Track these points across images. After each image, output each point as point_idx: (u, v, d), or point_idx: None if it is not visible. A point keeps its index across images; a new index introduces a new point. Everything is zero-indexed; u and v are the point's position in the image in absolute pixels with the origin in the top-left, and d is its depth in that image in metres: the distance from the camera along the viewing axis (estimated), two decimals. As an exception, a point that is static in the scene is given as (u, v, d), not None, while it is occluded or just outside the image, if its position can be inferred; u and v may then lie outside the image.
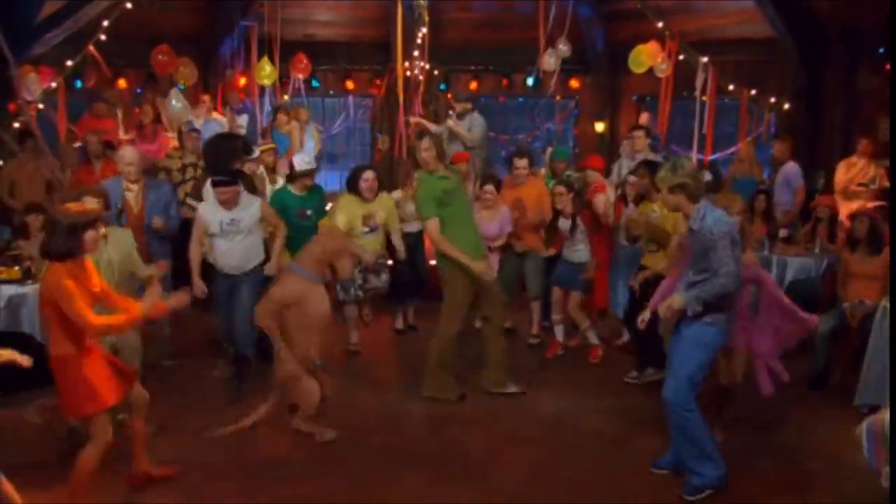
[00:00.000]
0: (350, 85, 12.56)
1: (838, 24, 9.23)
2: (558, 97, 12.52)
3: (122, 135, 9.04)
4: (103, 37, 8.60)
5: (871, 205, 7.60)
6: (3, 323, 5.44)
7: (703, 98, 9.46)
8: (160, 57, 10.02)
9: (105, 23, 8.56)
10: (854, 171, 8.24)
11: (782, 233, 7.33)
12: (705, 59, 9.29)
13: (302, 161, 6.33)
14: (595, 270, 6.60)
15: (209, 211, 5.66)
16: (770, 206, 7.78)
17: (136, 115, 9.35)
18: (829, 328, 6.04)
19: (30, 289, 5.63)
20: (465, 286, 5.57)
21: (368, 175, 6.53)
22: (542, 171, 8.01)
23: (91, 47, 8.65)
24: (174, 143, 9.19)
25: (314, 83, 12.17)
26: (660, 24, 9.59)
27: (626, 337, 6.84)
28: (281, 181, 7.18)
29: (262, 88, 11.33)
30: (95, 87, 9.60)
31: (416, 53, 10.58)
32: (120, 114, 9.40)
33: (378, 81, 12.49)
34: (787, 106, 9.65)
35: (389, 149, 11.76)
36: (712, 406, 4.98)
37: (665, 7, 10.11)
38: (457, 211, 5.58)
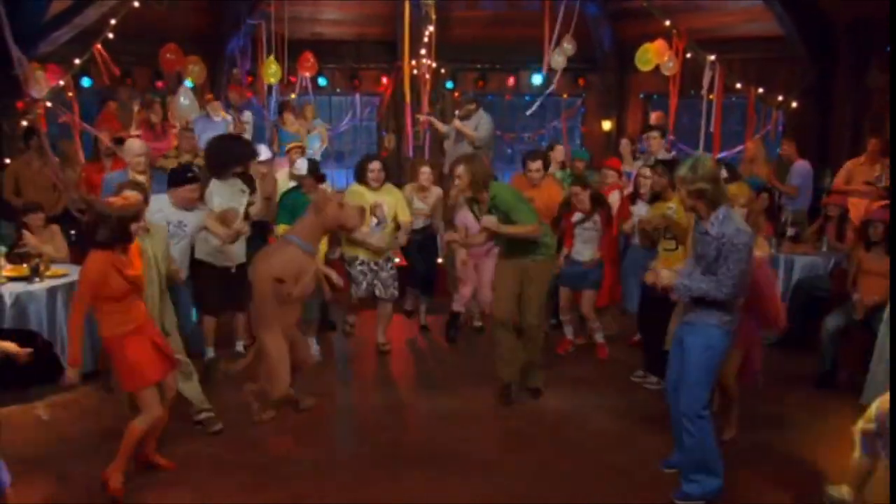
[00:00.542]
0: (357, 83, 12.58)
1: (847, 21, 9.20)
2: (565, 95, 12.51)
3: (132, 132, 9.05)
4: (111, 35, 8.62)
5: (876, 204, 7.56)
6: (11, 320, 5.45)
7: (711, 96, 9.44)
8: (168, 56, 10.05)
9: (112, 21, 8.57)
10: (858, 175, 8.19)
11: (790, 231, 7.31)
12: (712, 58, 9.27)
13: (301, 167, 6.32)
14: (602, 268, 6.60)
15: (160, 208, 5.37)
16: (773, 204, 7.75)
17: (141, 114, 9.34)
18: (837, 326, 6.02)
19: (38, 286, 5.66)
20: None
21: (374, 165, 6.54)
22: (557, 173, 7.97)
23: (98, 46, 8.68)
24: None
25: (321, 81, 12.20)
26: (667, 23, 9.57)
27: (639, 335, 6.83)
28: None
29: (270, 87, 11.35)
30: (108, 86, 9.62)
31: (422, 51, 10.58)
32: (136, 108, 9.41)
33: (385, 80, 12.51)
34: (795, 104, 9.62)
35: (396, 147, 11.77)
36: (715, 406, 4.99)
37: (672, 5, 10.09)
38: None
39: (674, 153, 8.89)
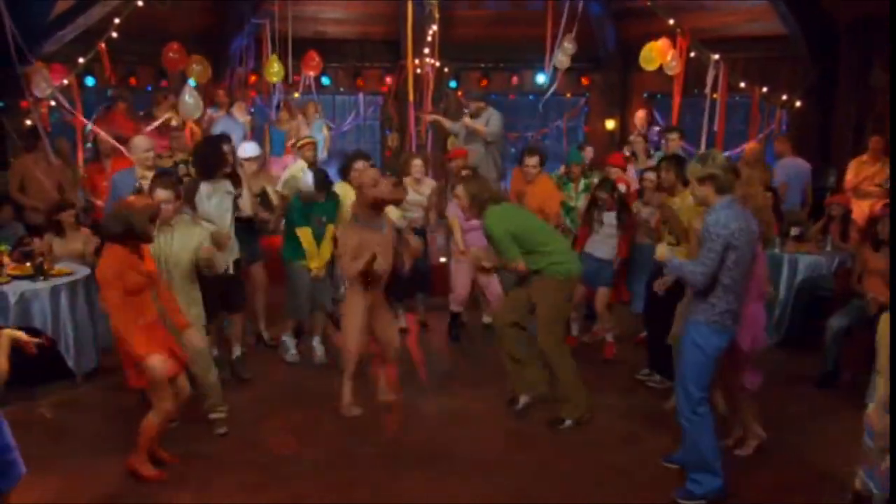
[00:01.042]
0: (360, 82, 12.59)
1: (850, 20, 9.18)
2: (568, 94, 12.50)
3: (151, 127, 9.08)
4: (114, 34, 8.64)
5: (880, 204, 7.57)
6: (14, 319, 5.46)
7: (714, 95, 9.43)
8: (171, 54, 10.06)
9: (116, 20, 8.59)
10: (865, 171, 8.19)
11: (793, 231, 7.30)
12: (716, 57, 9.26)
13: (308, 181, 6.27)
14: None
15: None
16: (778, 203, 7.74)
17: (122, 109, 9.34)
18: (841, 327, 6.01)
19: (41, 285, 5.68)
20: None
21: (359, 164, 6.44)
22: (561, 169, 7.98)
23: (102, 45, 8.69)
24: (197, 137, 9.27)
25: (325, 81, 12.20)
26: (671, 22, 9.57)
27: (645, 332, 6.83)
28: None
29: (273, 86, 11.37)
30: (114, 85, 9.64)
31: (426, 51, 10.58)
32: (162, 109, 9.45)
33: (388, 79, 12.51)
34: (798, 103, 9.61)
35: (400, 146, 11.78)
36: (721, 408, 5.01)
37: (676, 4, 10.09)
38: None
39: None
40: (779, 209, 7.70)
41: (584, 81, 12.52)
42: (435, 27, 10.49)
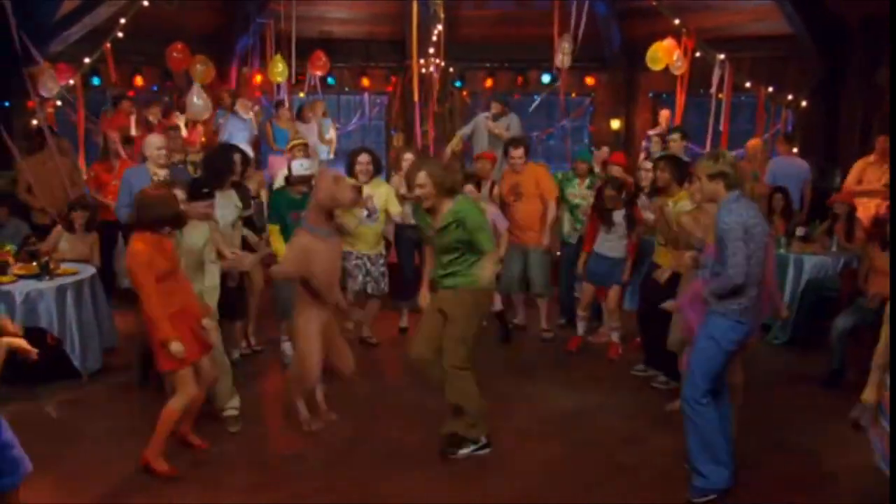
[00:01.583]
0: (366, 82, 12.59)
1: (856, 20, 9.16)
2: (573, 94, 12.49)
3: (133, 132, 9.07)
4: (120, 34, 8.66)
5: (886, 204, 7.53)
6: (20, 318, 5.47)
7: (720, 95, 9.41)
8: (175, 55, 10.07)
9: (122, 20, 8.61)
10: (871, 172, 8.15)
11: (799, 231, 7.28)
12: (722, 56, 9.24)
13: (300, 167, 6.27)
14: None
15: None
16: (788, 204, 7.73)
17: (128, 108, 9.35)
18: (847, 327, 5.99)
19: (47, 284, 5.69)
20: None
21: (363, 158, 6.49)
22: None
23: (108, 45, 8.71)
24: (201, 138, 9.29)
25: (330, 81, 12.21)
26: (676, 21, 9.55)
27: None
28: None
29: (277, 86, 11.37)
30: (116, 85, 9.66)
31: (431, 51, 10.59)
32: (135, 112, 9.45)
33: (394, 79, 12.52)
34: (804, 103, 9.59)
35: (404, 146, 11.77)
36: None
37: (681, 4, 10.07)
38: None
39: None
40: (789, 210, 7.69)
41: (590, 81, 12.50)
42: (440, 27, 10.51)
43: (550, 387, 5.98)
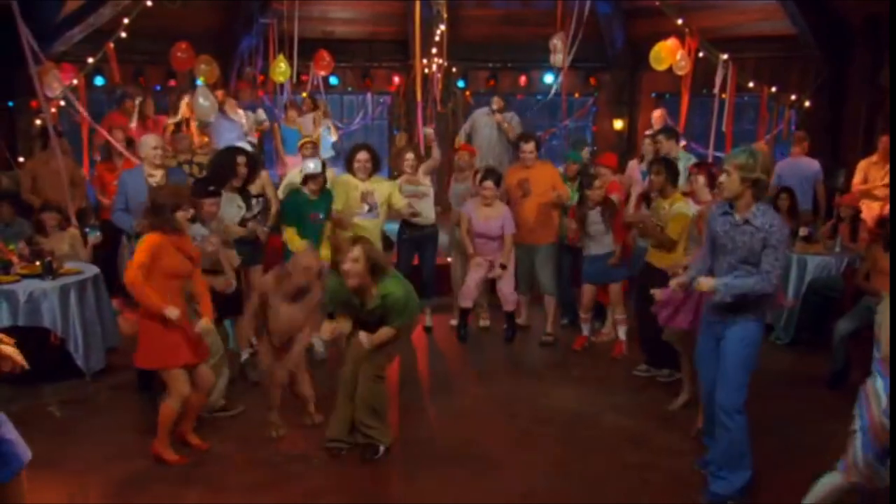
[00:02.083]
0: (368, 82, 12.60)
1: (860, 20, 9.14)
2: (576, 94, 12.48)
3: (133, 128, 9.06)
4: (123, 34, 8.66)
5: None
6: (24, 317, 5.50)
7: (723, 95, 9.40)
8: (179, 54, 10.06)
9: (125, 20, 8.61)
10: (875, 173, 8.13)
11: (803, 231, 7.27)
12: (725, 56, 9.23)
13: (307, 167, 6.31)
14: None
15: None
16: (794, 204, 7.71)
17: (131, 107, 9.35)
18: (849, 330, 5.98)
19: (50, 284, 5.69)
20: None
21: (362, 155, 6.49)
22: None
23: (111, 45, 8.71)
24: (203, 139, 9.28)
25: (333, 80, 12.21)
26: (679, 21, 9.54)
27: None
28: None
29: (280, 86, 11.37)
30: (119, 84, 9.65)
31: (434, 50, 10.58)
32: (136, 110, 9.43)
33: (397, 79, 12.52)
34: (807, 103, 9.58)
35: (406, 146, 11.75)
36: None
37: (685, 4, 10.06)
38: None
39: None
40: (795, 209, 7.68)
41: (593, 81, 12.49)
42: (443, 27, 10.50)
43: (554, 386, 5.98)
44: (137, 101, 9.31)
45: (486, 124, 8.89)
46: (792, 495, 4.43)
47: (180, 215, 4.56)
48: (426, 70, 10.74)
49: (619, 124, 12.47)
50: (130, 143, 8.20)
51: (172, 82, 11.11)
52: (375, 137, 13.56)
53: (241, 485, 4.47)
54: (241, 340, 6.13)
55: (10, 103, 8.77)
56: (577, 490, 4.48)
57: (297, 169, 6.97)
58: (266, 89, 11.59)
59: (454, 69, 11.98)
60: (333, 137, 10.64)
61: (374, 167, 6.57)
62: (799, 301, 6.90)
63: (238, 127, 9.68)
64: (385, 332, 4.69)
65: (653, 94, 12.19)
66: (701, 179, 5.72)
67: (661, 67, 9.93)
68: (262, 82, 11.66)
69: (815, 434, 5.22)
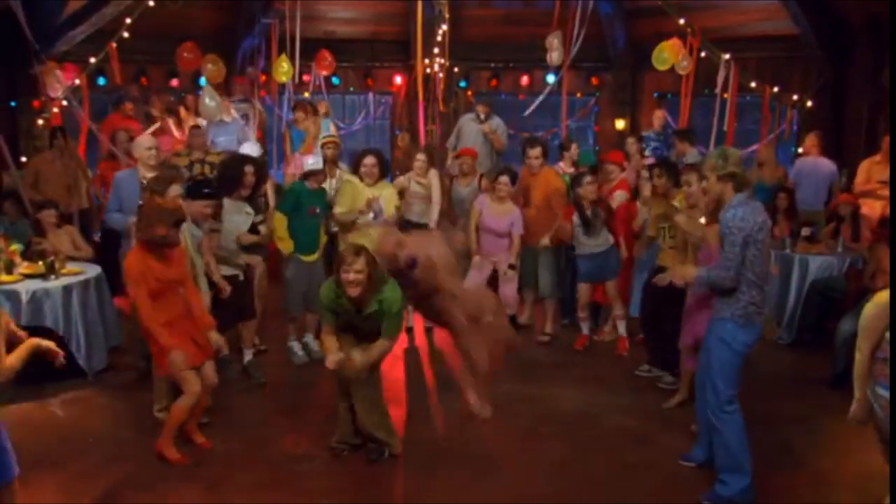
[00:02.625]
0: (370, 82, 12.60)
1: (862, 20, 9.14)
2: (578, 94, 12.47)
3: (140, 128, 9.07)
4: (126, 34, 8.66)
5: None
6: (27, 317, 5.50)
7: (725, 95, 9.39)
8: (185, 55, 10.05)
9: (128, 20, 8.62)
10: (878, 173, 8.12)
11: (805, 231, 7.27)
12: (727, 56, 9.22)
13: (307, 163, 6.33)
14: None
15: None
16: (793, 204, 7.71)
17: (129, 110, 9.35)
18: (852, 330, 5.96)
19: (53, 284, 5.70)
20: None
21: (369, 160, 6.51)
22: (561, 164, 7.96)
23: (113, 45, 8.72)
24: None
25: (334, 80, 12.21)
26: (681, 21, 9.53)
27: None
28: (338, 174, 7.21)
29: (282, 86, 11.37)
30: (120, 85, 9.66)
31: (436, 50, 10.58)
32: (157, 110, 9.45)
33: (398, 79, 12.52)
34: (809, 103, 9.57)
35: (415, 148, 11.76)
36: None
37: (687, 4, 10.05)
38: None
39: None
40: (793, 209, 7.68)
41: (595, 81, 12.48)
42: (445, 27, 10.50)
43: (556, 386, 5.98)
44: (152, 104, 9.33)
45: (473, 130, 8.86)
46: (793, 496, 4.45)
47: (173, 233, 4.57)
48: (428, 70, 10.75)
49: (620, 124, 12.45)
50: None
51: (174, 82, 11.12)
52: (377, 137, 13.56)
53: (243, 484, 4.47)
54: (247, 342, 6.15)
55: (13, 103, 8.78)
56: (579, 490, 4.48)
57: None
58: (268, 89, 11.59)
59: (456, 69, 11.98)
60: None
61: (381, 173, 6.59)
62: (796, 313, 6.92)
63: (234, 130, 9.67)
64: (379, 349, 4.57)
65: (655, 95, 12.19)
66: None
67: (663, 67, 9.92)
68: (264, 82, 11.66)
69: (817, 434, 5.23)
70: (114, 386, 5.86)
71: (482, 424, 5.26)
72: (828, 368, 6.12)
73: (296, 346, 6.50)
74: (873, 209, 7.73)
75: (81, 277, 5.92)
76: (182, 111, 9.71)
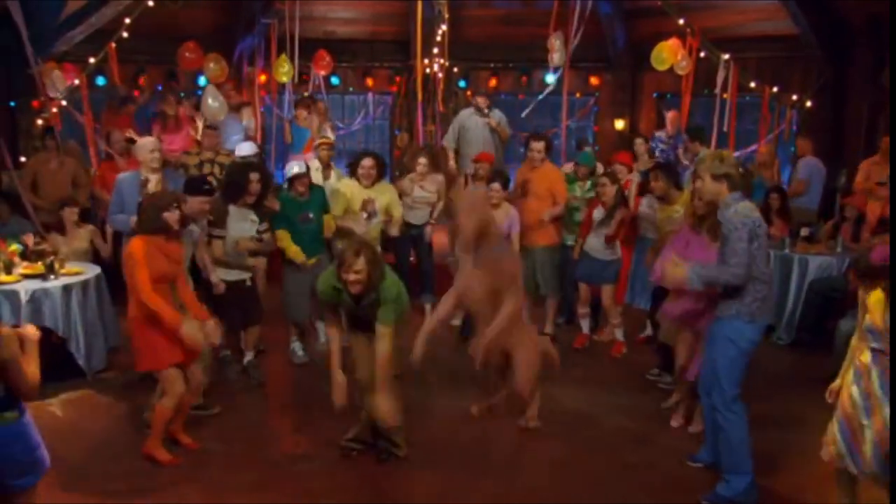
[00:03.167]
0: (370, 82, 12.59)
1: (862, 20, 9.13)
2: (577, 94, 12.47)
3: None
4: (125, 34, 8.66)
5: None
6: (26, 317, 5.49)
7: (725, 95, 9.39)
8: (187, 54, 10.02)
9: (127, 20, 8.61)
10: (877, 173, 8.12)
11: (804, 231, 7.27)
12: (726, 56, 9.22)
13: (290, 168, 6.31)
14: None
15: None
16: (785, 204, 7.71)
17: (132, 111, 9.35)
18: (852, 329, 5.96)
19: (52, 284, 5.70)
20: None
21: (366, 162, 6.52)
22: (565, 167, 7.96)
23: (112, 45, 8.71)
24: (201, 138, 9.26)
25: (334, 80, 12.20)
26: (681, 21, 9.53)
27: (648, 330, 6.83)
28: (334, 176, 7.22)
29: (282, 85, 11.37)
30: (121, 85, 9.65)
31: (435, 50, 10.58)
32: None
33: (398, 79, 12.52)
34: (809, 103, 9.57)
35: (409, 146, 11.76)
36: (688, 397, 5.15)
37: (686, 4, 10.04)
38: None
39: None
40: (786, 209, 7.68)
41: (594, 81, 12.49)
42: (444, 27, 10.50)
43: (556, 386, 5.95)
44: (167, 102, 9.31)
45: (477, 125, 8.82)
46: (793, 495, 4.45)
47: (167, 216, 4.56)
48: (427, 70, 10.75)
49: (620, 124, 12.46)
50: (132, 143, 8.20)
51: (174, 82, 11.09)
52: (376, 138, 13.57)
53: (243, 484, 4.47)
54: (249, 344, 6.15)
55: (12, 103, 8.77)
56: (579, 490, 4.48)
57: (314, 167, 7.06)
58: (268, 89, 11.58)
59: (455, 69, 11.97)
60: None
61: (379, 174, 6.60)
62: (796, 313, 6.94)
63: (243, 130, 9.68)
64: (385, 344, 4.47)
65: (654, 95, 12.19)
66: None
67: (663, 67, 9.92)
68: (264, 82, 11.65)
69: (817, 434, 5.21)
70: (113, 386, 5.85)
71: (483, 424, 5.28)
72: (827, 368, 6.11)
73: (297, 346, 6.50)
74: (873, 210, 7.73)
75: (81, 278, 5.92)
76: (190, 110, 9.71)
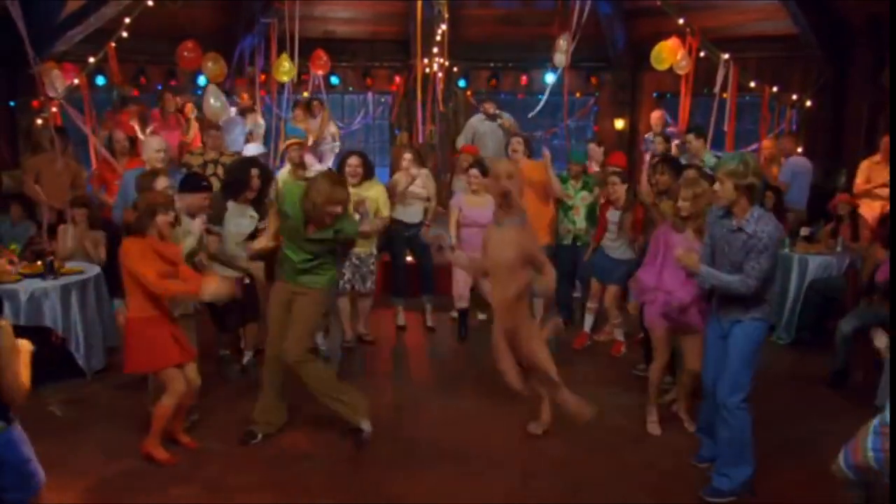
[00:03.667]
0: (370, 82, 12.60)
1: (862, 19, 9.13)
2: (578, 94, 12.47)
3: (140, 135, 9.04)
4: (125, 34, 8.66)
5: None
6: (26, 317, 5.50)
7: (724, 95, 9.39)
8: (186, 54, 10.02)
9: (127, 20, 8.61)
10: (878, 173, 8.12)
11: (804, 231, 7.27)
12: (726, 56, 9.22)
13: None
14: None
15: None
16: (780, 202, 7.70)
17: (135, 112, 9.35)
18: (852, 328, 5.98)
19: (52, 283, 5.70)
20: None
21: (352, 160, 6.49)
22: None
23: (112, 44, 8.71)
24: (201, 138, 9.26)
25: (334, 80, 12.21)
26: (680, 21, 9.53)
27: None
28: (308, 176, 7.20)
29: (282, 85, 11.37)
30: (119, 86, 9.64)
31: (435, 50, 10.58)
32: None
33: (398, 78, 12.52)
34: (809, 103, 9.57)
35: (404, 145, 11.75)
36: (683, 395, 5.19)
37: (686, 4, 10.04)
38: None
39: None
40: (781, 209, 7.67)
41: (594, 81, 12.49)
42: (444, 27, 10.50)
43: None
44: (166, 100, 9.32)
45: (488, 131, 8.84)
46: (792, 493, 4.46)
47: (160, 220, 4.55)
48: (427, 70, 10.75)
49: (620, 124, 12.46)
50: (134, 144, 8.20)
51: (173, 82, 11.10)
52: (376, 137, 13.58)
53: (242, 484, 4.47)
54: (248, 343, 6.15)
55: (12, 103, 8.77)
56: (578, 489, 4.48)
57: (285, 168, 7.04)
58: (268, 89, 11.59)
59: (455, 69, 11.98)
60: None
61: (366, 173, 6.55)
62: (796, 313, 6.95)
63: (243, 129, 9.68)
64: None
65: (654, 94, 12.19)
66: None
67: (663, 67, 9.92)
68: (263, 82, 11.65)
69: (816, 433, 5.22)
70: (113, 386, 5.85)
71: (482, 423, 5.28)
72: (827, 368, 6.12)
73: None
74: (872, 209, 7.74)
75: (80, 277, 5.92)
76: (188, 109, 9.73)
